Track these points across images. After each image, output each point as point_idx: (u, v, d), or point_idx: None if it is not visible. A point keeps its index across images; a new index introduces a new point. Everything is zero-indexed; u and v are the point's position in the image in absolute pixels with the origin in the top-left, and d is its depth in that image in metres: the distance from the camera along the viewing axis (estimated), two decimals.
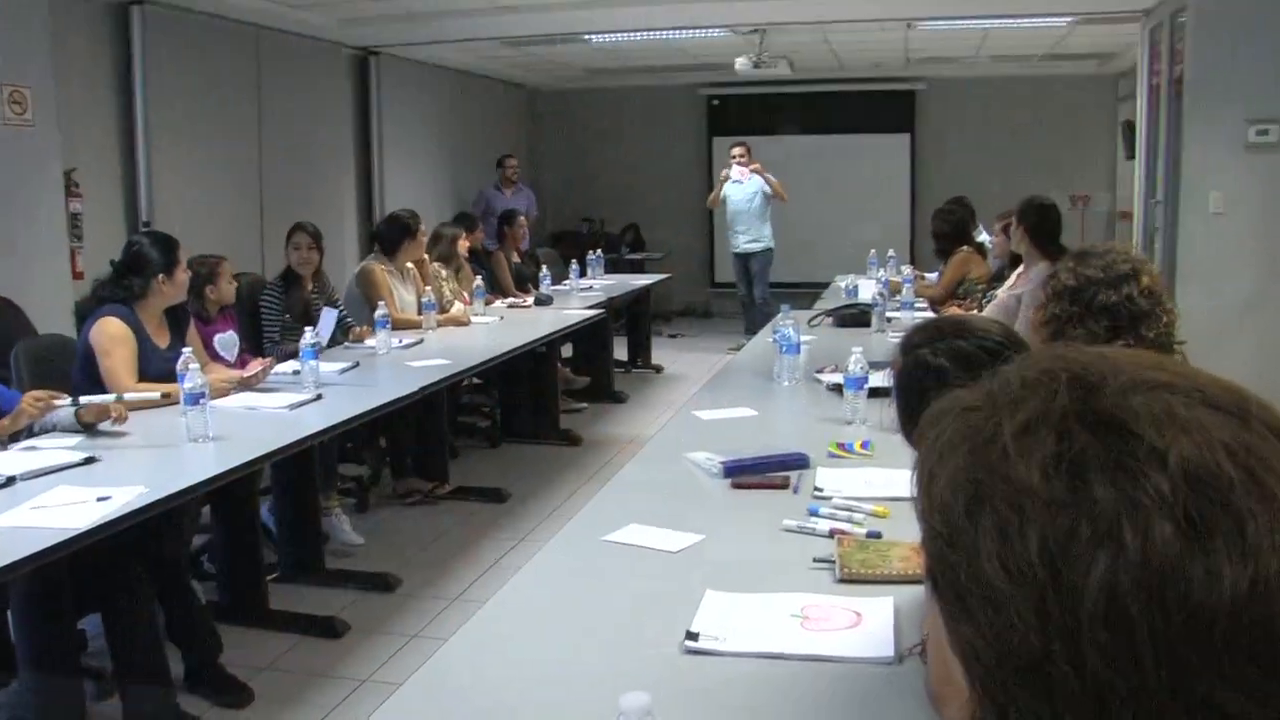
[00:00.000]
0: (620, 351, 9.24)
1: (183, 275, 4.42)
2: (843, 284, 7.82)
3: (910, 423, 1.87)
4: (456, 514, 5.70)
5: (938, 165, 12.73)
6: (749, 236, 10.33)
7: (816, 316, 6.12)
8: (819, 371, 4.39)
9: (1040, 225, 5.25)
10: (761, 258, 10.33)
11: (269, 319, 5.69)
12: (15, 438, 3.63)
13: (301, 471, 4.63)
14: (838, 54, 11.00)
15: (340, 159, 9.55)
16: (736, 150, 10.19)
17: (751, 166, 10.07)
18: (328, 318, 5.51)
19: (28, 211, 6.06)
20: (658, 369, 9.73)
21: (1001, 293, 5.48)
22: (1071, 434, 0.65)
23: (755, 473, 2.99)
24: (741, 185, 10.18)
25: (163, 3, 7.09)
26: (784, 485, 2.91)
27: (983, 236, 7.66)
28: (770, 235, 10.35)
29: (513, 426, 7.26)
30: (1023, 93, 12.42)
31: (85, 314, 4.30)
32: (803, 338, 4.60)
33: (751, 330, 10.09)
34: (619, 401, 8.37)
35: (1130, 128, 10.62)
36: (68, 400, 3.65)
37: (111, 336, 4.15)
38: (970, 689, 0.68)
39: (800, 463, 3.07)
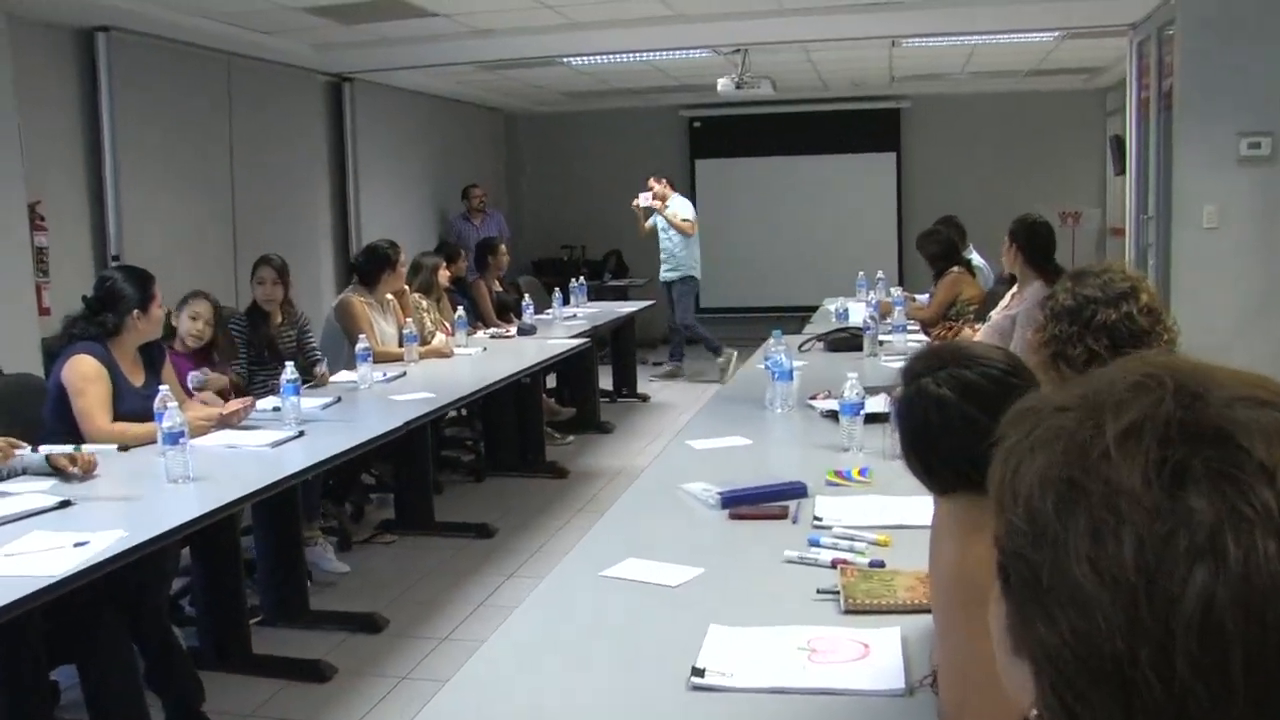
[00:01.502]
0: (605, 381, 9.13)
1: (158, 311, 4.31)
2: (832, 307, 7.73)
3: (913, 453, 1.84)
4: (442, 550, 5.58)
5: (924, 184, 12.72)
6: (668, 266, 10.45)
7: (807, 341, 6.04)
8: (812, 398, 4.32)
9: (1032, 244, 5.18)
10: (680, 286, 10.40)
11: (233, 361, 5.58)
12: None
13: (284, 510, 4.51)
14: (821, 73, 10.98)
15: (315, 188, 9.45)
16: (651, 180, 10.37)
17: (652, 203, 10.22)
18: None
19: None
20: (644, 398, 9.63)
21: (995, 313, 5.40)
22: (1176, 441, 0.64)
23: (753, 503, 2.94)
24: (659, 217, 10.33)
25: (130, 29, 6.97)
26: (783, 515, 2.86)
27: (973, 256, 7.60)
28: (690, 264, 10.42)
29: (498, 459, 7.15)
30: (1009, 109, 12.44)
31: (55, 352, 4.18)
32: (794, 363, 4.50)
33: (676, 356, 10.56)
34: (605, 432, 8.26)
35: (1119, 142, 10.61)
36: (27, 449, 3.52)
37: (84, 375, 4.03)
38: (1037, 691, 0.69)
39: (798, 492, 3.02)
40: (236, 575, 4.28)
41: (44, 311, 6.31)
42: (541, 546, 5.58)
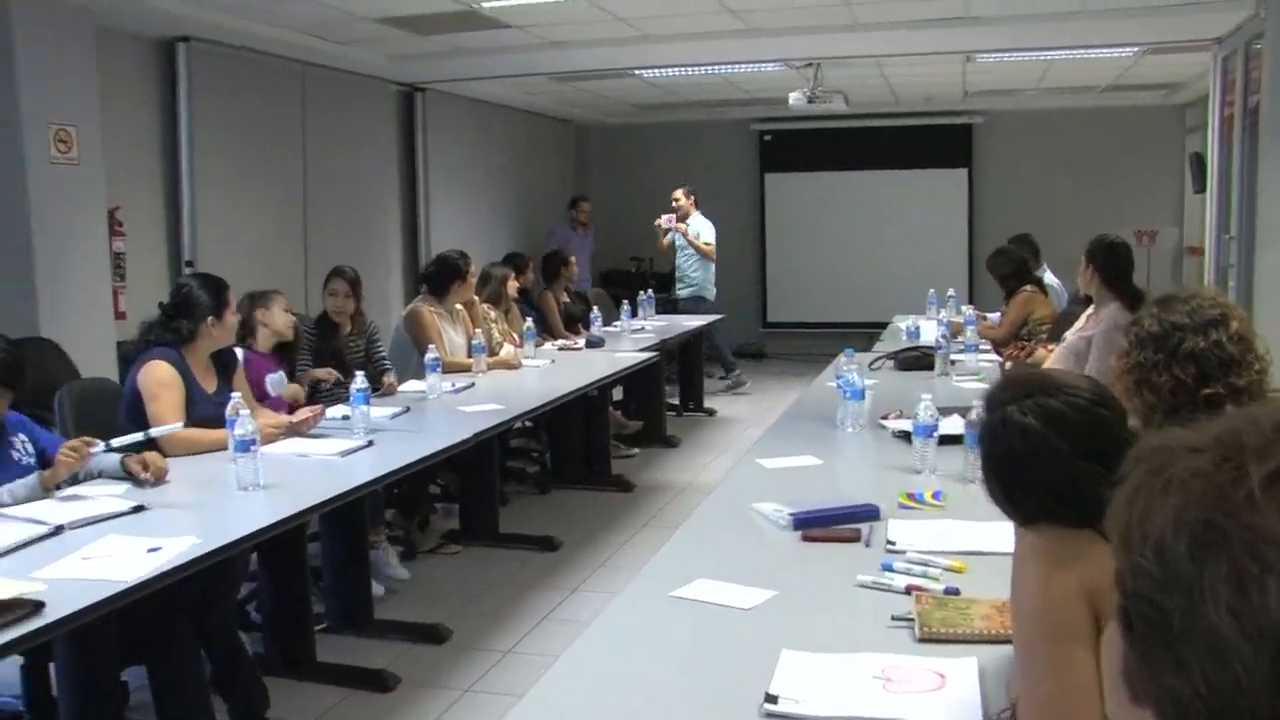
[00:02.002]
0: (671, 395, 9.10)
1: (232, 318, 4.37)
2: (903, 325, 7.65)
3: (995, 480, 1.82)
4: (507, 562, 5.57)
5: (996, 201, 12.57)
6: (682, 284, 10.55)
7: (878, 360, 5.97)
8: (884, 418, 4.27)
9: (1110, 265, 5.09)
10: (686, 304, 10.44)
11: (303, 361, 5.62)
12: (59, 485, 3.55)
13: (351, 518, 4.53)
14: (893, 88, 10.90)
15: (385, 196, 9.53)
16: (678, 191, 10.45)
17: (674, 225, 10.29)
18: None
19: (71, 251, 6.04)
20: (710, 412, 9.58)
21: (1070, 334, 5.30)
22: None
23: (825, 525, 2.90)
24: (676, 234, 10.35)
25: (209, 39, 7.09)
26: (855, 538, 2.82)
27: (1047, 275, 7.48)
28: (704, 284, 10.48)
29: (563, 472, 7.14)
30: (1084, 125, 12.25)
31: (130, 356, 4.22)
32: (865, 382, 4.44)
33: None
34: (671, 446, 8.23)
35: (1200, 160, 10.39)
36: (101, 445, 3.56)
37: (159, 380, 4.08)
38: None
39: (871, 514, 2.98)
40: (303, 583, 4.30)
41: (120, 316, 6.41)
42: (606, 561, 5.56)
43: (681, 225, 10.26)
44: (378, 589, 4.96)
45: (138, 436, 3.70)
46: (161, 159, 7.09)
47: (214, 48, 7.17)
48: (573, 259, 8.67)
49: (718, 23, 7.52)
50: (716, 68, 9.30)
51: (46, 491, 3.45)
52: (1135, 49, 8.52)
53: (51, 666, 3.50)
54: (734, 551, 2.76)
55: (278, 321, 5.15)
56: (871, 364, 5.85)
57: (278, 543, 3.96)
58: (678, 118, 13.01)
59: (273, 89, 7.86)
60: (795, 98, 9.24)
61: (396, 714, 3.96)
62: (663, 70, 9.47)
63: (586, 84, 10.45)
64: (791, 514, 2.91)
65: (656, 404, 8.44)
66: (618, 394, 8.15)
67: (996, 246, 7.36)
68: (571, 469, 7.11)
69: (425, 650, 4.48)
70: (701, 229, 10.36)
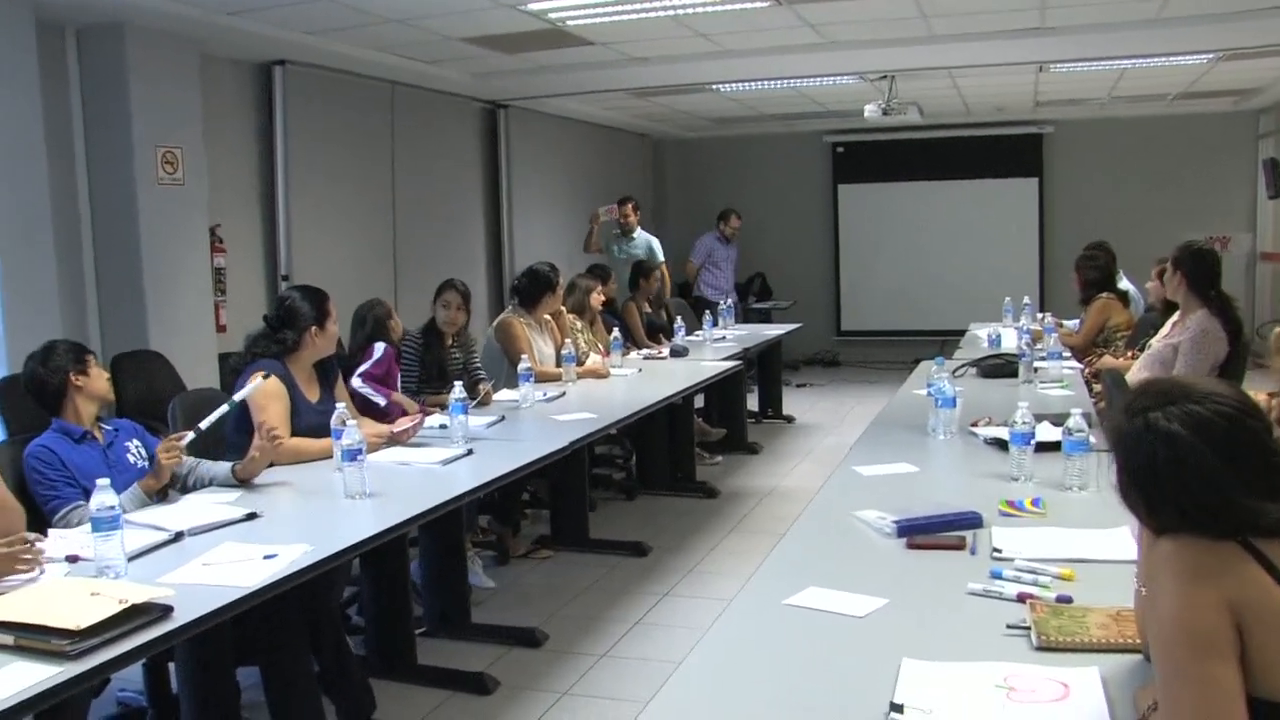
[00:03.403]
0: (750, 401, 9.15)
1: (333, 327, 4.46)
2: (982, 333, 7.65)
3: (1135, 489, 1.76)
4: (597, 567, 5.65)
5: (1067, 209, 12.52)
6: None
7: (961, 367, 5.99)
8: (973, 425, 4.29)
9: (1198, 271, 5.10)
10: None
11: (406, 370, 5.75)
12: (163, 492, 3.69)
13: (449, 524, 4.62)
14: (965, 98, 10.89)
15: (470, 210, 9.71)
16: (627, 207, 9.61)
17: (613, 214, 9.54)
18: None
19: (177, 267, 6.27)
20: (789, 419, 9.63)
21: (1156, 341, 5.29)
22: None
23: (929, 533, 2.92)
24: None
25: (304, 61, 7.28)
26: (960, 546, 2.83)
27: (1124, 282, 7.44)
28: None
29: (649, 478, 7.22)
30: (1155, 133, 12.19)
31: (237, 368, 4.34)
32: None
33: None
34: (753, 453, 8.30)
35: (1275, 165, 10.28)
36: (190, 434, 3.70)
37: (266, 392, 4.17)
38: None
39: (973, 522, 3.00)
40: (404, 586, 4.39)
41: (220, 329, 6.62)
42: (695, 566, 5.63)
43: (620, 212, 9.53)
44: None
45: (223, 409, 3.83)
46: (258, 177, 7.31)
47: (308, 70, 7.38)
48: (656, 271, 8.75)
49: (796, 37, 7.58)
50: (794, 81, 9.35)
51: (150, 497, 3.57)
52: (1211, 55, 8.44)
53: (170, 665, 3.64)
54: (841, 559, 2.79)
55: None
56: (955, 371, 5.87)
57: (379, 548, 4.07)
58: (752, 131, 13.09)
59: (362, 108, 8.06)
60: (870, 109, 9.27)
61: (498, 716, 4.03)
62: (740, 84, 9.53)
63: (664, 98, 10.55)
64: (895, 521, 2.94)
65: (738, 411, 8.50)
66: (699, 401, 8.22)
67: (1083, 249, 7.31)
68: (657, 475, 7.19)
69: (522, 654, 4.57)
70: (651, 243, 9.69)
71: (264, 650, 3.52)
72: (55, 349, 3.70)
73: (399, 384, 5.67)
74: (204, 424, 3.76)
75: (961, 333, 8.52)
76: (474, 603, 5.03)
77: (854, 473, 3.71)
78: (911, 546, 2.85)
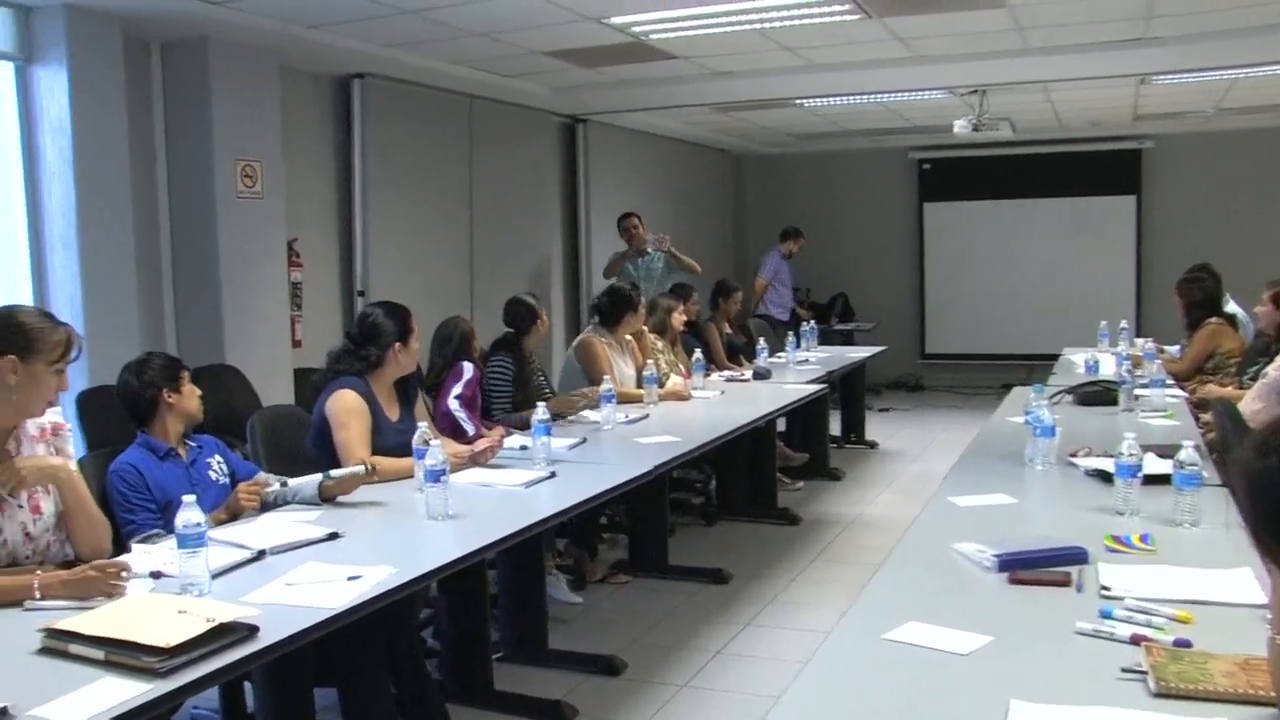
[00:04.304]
0: (832, 426, 8.99)
1: (416, 344, 4.42)
2: (1077, 358, 7.42)
3: (1267, 531, 1.64)
4: (676, 594, 5.55)
5: (1167, 228, 12.16)
6: None
7: (1057, 394, 5.79)
8: (1072, 455, 4.12)
9: None
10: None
11: (499, 389, 5.67)
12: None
13: (529, 548, 4.54)
14: (1058, 113, 10.65)
15: (547, 225, 9.67)
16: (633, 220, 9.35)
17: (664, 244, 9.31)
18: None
19: (255, 281, 6.29)
20: (872, 444, 9.45)
21: (1273, 370, 5.06)
22: None
23: (1031, 567, 2.78)
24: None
25: (383, 74, 7.29)
26: (1066, 582, 2.70)
27: (1231, 306, 7.19)
28: None
29: (729, 504, 7.09)
30: (1263, 147, 11.76)
31: (318, 385, 4.31)
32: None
33: None
34: (835, 479, 8.14)
35: None
36: (276, 485, 3.68)
37: (347, 409, 4.16)
38: None
39: (1079, 557, 2.86)
40: (482, 611, 4.33)
41: (296, 344, 6.62)
42: (777, 596, 5.50)
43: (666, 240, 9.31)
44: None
45: (317, 478, 3.74)
46: (336, 191, 7.34)
47: (386, 83, 7.40)
48: (737, 292, 8.64)
49: (885, 51, 7.46)
50: (880, 96, 9.20)
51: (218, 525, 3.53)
52: None
53: (245, 684, 3.60)
54: (940, 593, 2.68)
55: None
56: (1051, 398, 5.68)
57: (458, 571, 4.01)
58: (834, 147, 12.94)
59: (440, 121, 8.06)
60: (960, 125, 9.09)
61: None
62: (826, 99, 9.40)
63: (745, 113, 10.46)
64: (995, 555, 2.81)
65: (821, 436, 8.35)
66: (781, 425, 8.08)
67: (1186, 271, 7.07)
68: (737, 501, 7.06)
69: (601, 682, 4.48)
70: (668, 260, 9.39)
71: (343, 672, 3.49)
72: (150, 362, 3.69)
73: (488, 406, 5.58)
74: (293, 482, 3.73)
75: (1051, 357, 8.30)
76: (555, 622, 4.94)
77: (949, 503, 3.57)
78: (1013, 581, 2.72)
